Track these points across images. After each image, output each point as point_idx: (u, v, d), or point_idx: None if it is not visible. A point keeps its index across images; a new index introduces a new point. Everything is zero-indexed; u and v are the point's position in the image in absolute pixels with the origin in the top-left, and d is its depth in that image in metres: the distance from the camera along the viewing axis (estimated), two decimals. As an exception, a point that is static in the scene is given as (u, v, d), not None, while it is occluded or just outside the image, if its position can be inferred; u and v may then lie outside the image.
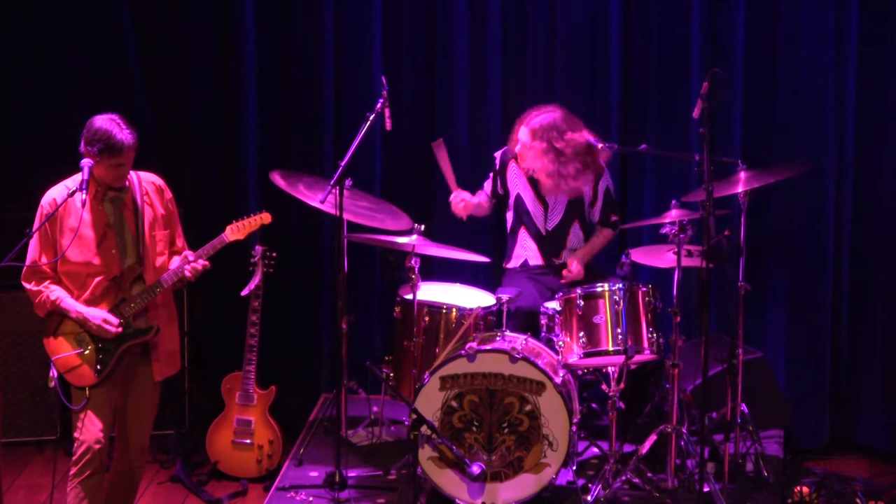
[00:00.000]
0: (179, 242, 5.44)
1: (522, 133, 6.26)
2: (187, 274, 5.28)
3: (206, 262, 5.32)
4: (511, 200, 6.44)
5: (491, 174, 6.50)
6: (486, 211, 6.56)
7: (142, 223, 5.26)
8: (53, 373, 5.23)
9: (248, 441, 6.32)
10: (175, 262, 5.33)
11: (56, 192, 5.18)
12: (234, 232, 5.45)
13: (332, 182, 5.75)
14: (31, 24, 6.90)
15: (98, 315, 5.18)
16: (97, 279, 5.21)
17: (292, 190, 6.10)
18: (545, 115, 6.23)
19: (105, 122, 5.10)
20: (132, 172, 5.28)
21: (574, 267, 6.27)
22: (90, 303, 5.22)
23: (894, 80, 6.58)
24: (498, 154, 6.47)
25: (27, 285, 5.23)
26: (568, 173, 6.20)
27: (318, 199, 5.82)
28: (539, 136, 6.19)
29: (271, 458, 6.33)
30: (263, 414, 6.33)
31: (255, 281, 6.22)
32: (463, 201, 6.36)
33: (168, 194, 5.40)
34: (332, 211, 5.83)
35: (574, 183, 6.24)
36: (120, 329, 5.20)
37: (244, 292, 6.22)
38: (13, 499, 6.19)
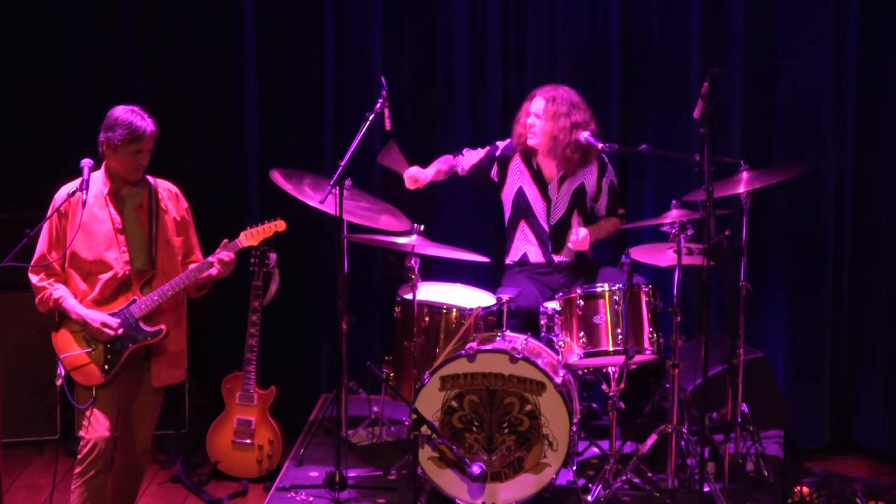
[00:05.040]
0: (197, 254, 5.44)
1: (535, 103, 6.29)
2: (215, 271, 5.27)
3: (232, 255, 5.32)
4: (511, 194, 6.42)
5: (486, 151, 6.45)
6: (444, 177, 6.47)
7: (155, 226, 5.27)
8: (61, 370, 5.24)
9: (248, 441, 6.32)
10: (192, 268, 5.33)
11: (70, 188, 5.19)
12: (248, 238, 5.46)
13: (331, 182, 5.76)
14: (31, 25, 6.90)
15: (97, 318, 5.18)
16: (105, 277, 5.21)
17: (297, 191, 6.11)
18: (556, 86, 6.33)
19: (126, 111, 5.18)
20: (150, 177, 5.30)
21: (580, 234, 6.24)
22: (98, 303, 5.22)
23: (894, 79, 6.58)
24: (502, 143, 6.45)
25: (34, 277, 5.23)
26: (567, 139, 6.22)
27: (318, 199, 5.83)
28: (551, 101, 6.25)
29: (271, 458, 6.33)
30: (263, 414, 6.33)
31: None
32: (414, 179, 6.31)
33: (184, 203, 5.41)
34: (332, 211, 5.83)
35: (570, 152, 6.24)
36: (120, 332, 5.20)
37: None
38: (13, 499, 6.19)
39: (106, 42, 6.91)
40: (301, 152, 6.93)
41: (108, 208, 5.23)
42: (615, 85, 6.81)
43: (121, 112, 5.17)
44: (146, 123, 5.17)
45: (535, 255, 6.44)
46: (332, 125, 6.94)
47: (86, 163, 5.15)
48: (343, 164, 5.76)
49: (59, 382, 5.24)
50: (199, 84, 6.97)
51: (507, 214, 6.50)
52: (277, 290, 6.27)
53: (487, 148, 6.48)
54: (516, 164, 6.42)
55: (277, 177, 6.15)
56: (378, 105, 5.98)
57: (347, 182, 5.90)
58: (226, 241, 5.36)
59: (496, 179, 6.46)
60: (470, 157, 6.50)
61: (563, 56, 6.84)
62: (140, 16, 6.90)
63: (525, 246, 6.45)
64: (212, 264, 5.30)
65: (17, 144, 6.96)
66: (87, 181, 5.10)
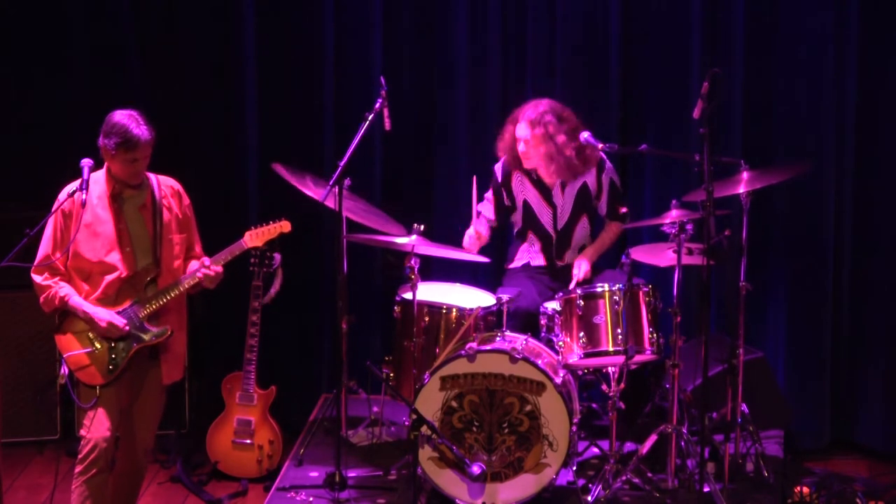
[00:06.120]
0: (197, 249, 5.43)
1: (521, 129, 6.25)
2: (202, 281, 5.27)
3: (220, 268, 5.31)
4: (520, 209, 6.41)
5: (491, 190, 6.40)
6: (487, 240, 6.37)
7: (159, 224, 5.26)
8: (64, 370, 5.24)
9: (248, 441, 6.32)
10: (193, 266, 5.33)
11: (71, 188, 5.18)
12: (253, 238, 5.45)
13: (331, 182, 5.76)
14: (31, 25, 6.90)
15: (105, 317, 5.18)
16: (109, 278, 5.21)
17: (300, 184, 6.10)
18: (536, 104, 6.26)
19: (123, 116, 5.13)
20: (152, 175, 5.29)
21: (582, 269, 6.25)
22: (103, 302, 5.22)
23: (894, 79, 6.58)
24: (497, 167, 6.42)
25: (37, 278, 5.22)
26: (568, 151, 6.20)
27: (319, 196, 5.83)
28: (537, 123, 6.19)
29: (271, 458, 6.33)
30: (263, 414, 6.33)
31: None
32: (478, 236, 6.24)
33: (186, 200, 5.40)
34: (334, 206, 5.83)
35: (574, 160, 6.23)
36: (126, 331, 5.20)
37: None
38: (13, 499, 6.19)
39: (106, 42, 6.91)
40: (301, 152, 6.92)
41: (111, 209, 5.22)
42: (615, 84, 6.81)
43: (118, 118, 5.13)
44: (141, 131, 5.11)
45: (538, 261, 6.44)
46: (332, 125, 6.93)
47: (86, 163, 5.14)
48: (343, 163, 5.77)
49: (62, 381, 5.23)
50: (199, 84, 6.96)
51: (517, 227, 6.47)
52: (279, 291, 6.27)
53: (491, 188, 6.42)
54: (517, 179, 6.39)
55: (281, 170, 6.14)
56: (377, 105, 5.98)
57: (346, 182, 5.90)
58: (205, 258, 5.31)
59: (508, 203, 6.42)
60: (487, 210, 6.39)
61: (563, 56, 6.84)
62: (140, 16, 6.90)
63: (528, 255, 6.45)
64: (199, 279, 5.29)
65: (17, 144, 6.96)
66: (87, 181, 5.10)
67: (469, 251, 6.24)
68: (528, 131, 6.22)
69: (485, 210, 6.43)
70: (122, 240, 5.21)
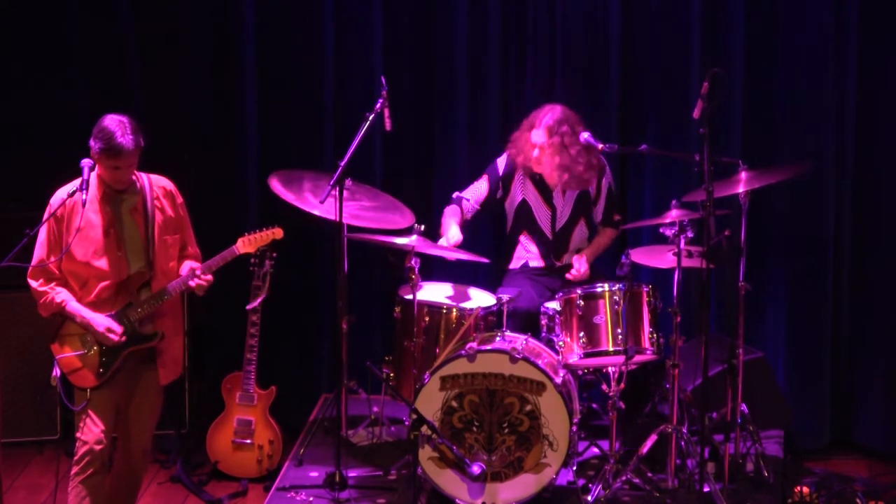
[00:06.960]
0: (192, 249, 5.42)
1: (537, 135, 6.24)
2: (194, 289, 5.27)
3: (210, 277, 5.30)
4: (514, 205, 6.41)
5: (487, 179, 6.40)
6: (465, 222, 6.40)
7: (151, 227, 5.24)
8: (56, 372, 5.23)
9: (248, 441, 6.32)
10: (185, 267, 5.32)
11: (65, 191, 5.16)
12: (245, 245, 5.45)
13: (331, 182, 5.76)
14: (32, 25, 6.90)
15: (103, 323, 5.17)
16: (103, 283, 5.19)
17: (297, 199, 6.11)
18: (553, 112, 6.24)
19: (112, 122, 5.08)
20: (144, 175, 5.28)
21: (580, 267, 6.26)
22: (95, 306, 5.20)
23: (894, 79, 6.58)
24: (501, 160, 6.41)
25: (33, 283, 5.21)
26: (580, 164, 6.20)
27: (319, 200, 5.83)
28: (555, 132, 6.18)
29: (271, 458, 6.33)
30: (264, 414, 6.33)
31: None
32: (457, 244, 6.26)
33: (179, 199, 5.38)
34: (333, 216, 5.83)
35: (584, 174, 6.23)
36: (123, 338, 5.18)
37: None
38: (13, 499, 6.19)
39: (106, 42, 6.91)
40: (301, 153, 6.92)
41: (101, 213, 5.20)
42: (615, 85, 6.80)
43: (107, 123, 5.08)
44: (126, 140, 5.05)
45: (536, 262, 6.44)
46: (332, 125, 6.93)
47: (86, 163, 5.13)
48: (343, 164, 5.76)
49: (54, 384, 5.22)
50: (198, 84, 6.96)
51: (510, 224, 6.48)
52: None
53: (486, 176, 6.40)
54: (520, 178, 6.38)
55: (277, 185, 6.14)
56: (378, 105, 5.97)
57: (348, 182, 5.90)
58: (196, 265, 5.31)
59: (500, 196, 6.42)
60: (475, 196, 6.38)
61: (563, 56, 6.84)
62: (140, 16, 6.90)
63: (526, 255, 6.45)
64: (191, 287, 5.29)
65: (17, 144, 6.96)
66: (88, 181, 5.08)
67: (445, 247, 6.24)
68: (544, 138, 6.21)
69: (473, 195, 6.39)
70: (114, 244, 5.19)
